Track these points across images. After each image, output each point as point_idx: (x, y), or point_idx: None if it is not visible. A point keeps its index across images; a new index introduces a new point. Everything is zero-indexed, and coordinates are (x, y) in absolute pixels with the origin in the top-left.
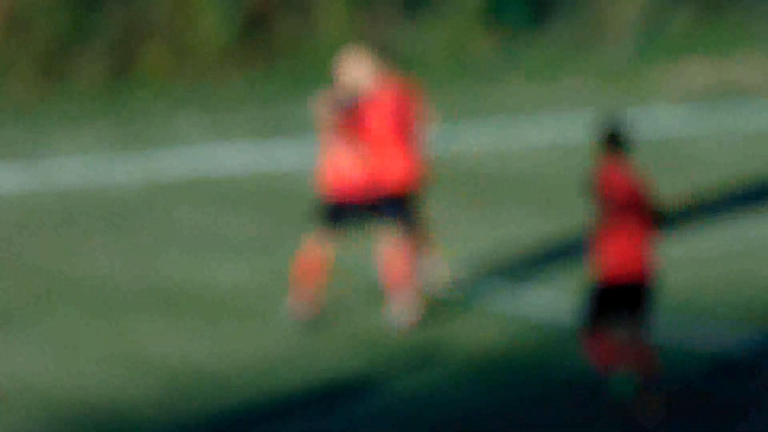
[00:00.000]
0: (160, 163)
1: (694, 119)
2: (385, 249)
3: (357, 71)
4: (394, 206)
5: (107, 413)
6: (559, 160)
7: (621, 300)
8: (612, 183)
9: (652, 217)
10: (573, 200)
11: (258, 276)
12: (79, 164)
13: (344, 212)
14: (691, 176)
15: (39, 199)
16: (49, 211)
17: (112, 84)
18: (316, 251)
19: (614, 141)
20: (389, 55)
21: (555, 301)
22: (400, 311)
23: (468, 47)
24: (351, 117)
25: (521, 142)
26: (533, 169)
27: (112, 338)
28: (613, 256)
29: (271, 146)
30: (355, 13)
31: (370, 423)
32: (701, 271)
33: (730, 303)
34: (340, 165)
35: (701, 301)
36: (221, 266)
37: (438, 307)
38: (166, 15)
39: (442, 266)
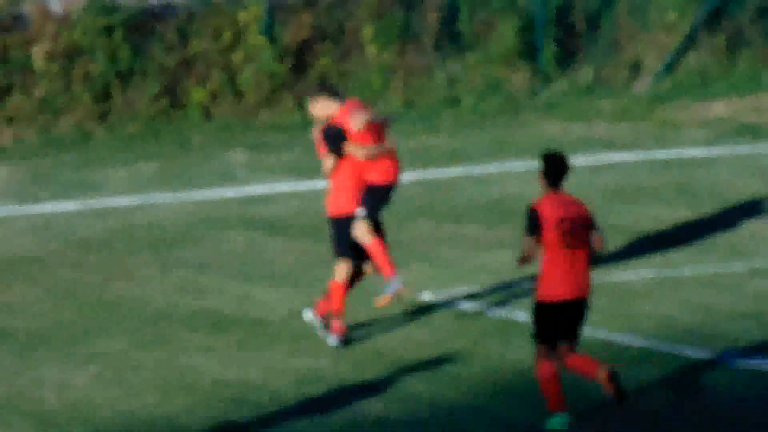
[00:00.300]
0: (208, 195)
1: (710, 151)
2: (373, 241)
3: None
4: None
5: None
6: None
7: (565, 315)
8: (554, 210)
9: (594, 240)
10: None
11: (302, 300)
12: (132, 195)
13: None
14: (706, 200)
15: (94, 228)
16: (103, 239)
17: (163, 119)
18: (345, 272)
19: (556, 173)
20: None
21: None
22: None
23: (503, 84)
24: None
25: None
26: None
27: (165, 361)
28: (556, 277)
29: (314, 181)
30: (396, 49)
31: None
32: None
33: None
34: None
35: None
36: (266, 291)
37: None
38: (219, 54)
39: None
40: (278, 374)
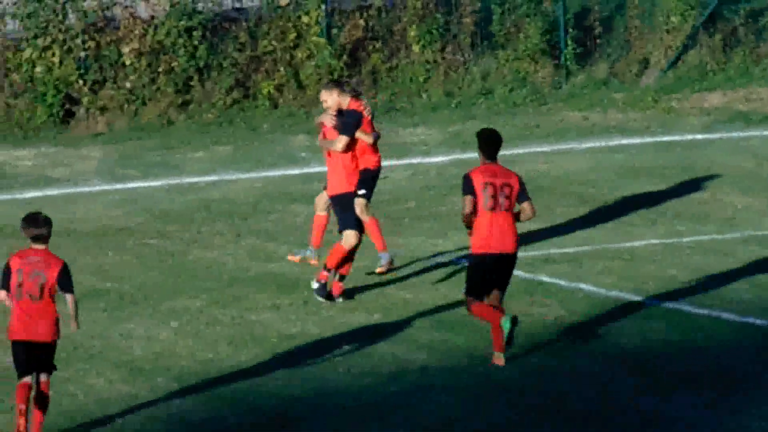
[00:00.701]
0: (274, 174)
1: (708, 135)
2: (370, 219)
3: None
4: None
5: (236, 381)
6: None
7: (491, 267)
8: (482, 177)
9: (522, 207)
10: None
11: (354, 264)
12: (209, 174)
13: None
14: (703, 177)
15: (175, 203)
16: (183, 212)
17: (236, 108)
18: (353, 241)
19: (489, 147)
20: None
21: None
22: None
23: (529, 78)
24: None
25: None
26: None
27: (237, 317)
28: (482, 234)
29: None
30: (437, 46)
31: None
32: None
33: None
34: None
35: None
36: (325, 256)
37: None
38: (284, 52)
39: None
40: (334, 329)
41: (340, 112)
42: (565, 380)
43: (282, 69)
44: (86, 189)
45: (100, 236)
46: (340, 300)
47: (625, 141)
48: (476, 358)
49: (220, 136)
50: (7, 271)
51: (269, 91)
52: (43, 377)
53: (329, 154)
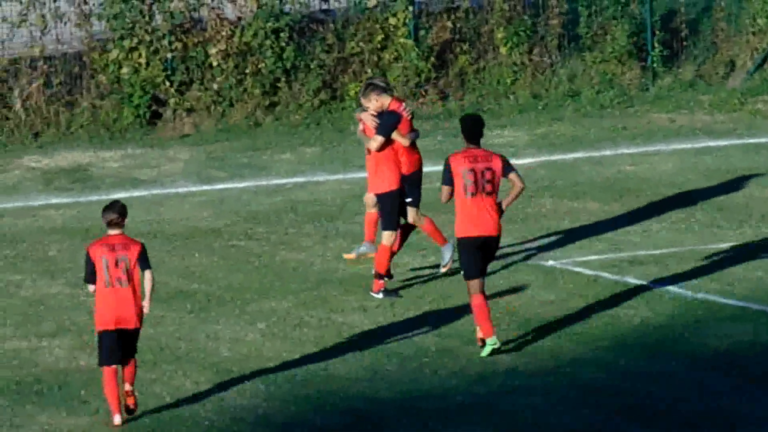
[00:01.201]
0: (362, 176)
1: None
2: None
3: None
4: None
5: (323, 383)
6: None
7: (475, 250)
8: (462, 163)
9: (510, 180)
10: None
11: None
12: (296, 175)
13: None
14: None
15: (262, 204)
16: (270, 213)
17: (323, 109)
18: (392, 239)
19: (470, 132)
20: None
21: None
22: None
23: (616, 80)
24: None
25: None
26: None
27: (324, 318)
28: (463, 219)
29: None
30: (524, 48)
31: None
32: None
33: None
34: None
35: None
36: (414, 258)
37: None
38: (371, 53)
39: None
40: (422, 330)
41: (380, 113)
42: (653, 382)
43: (369, 70)
44: (173, 190)
45: (188, 238)
46: (380, 296)
47: (711, 143)
48: (562, 360)
49: (308, 138)
50: (89, 261)
51: (356, 93)
52: (130, 361)
53: (368, 152)
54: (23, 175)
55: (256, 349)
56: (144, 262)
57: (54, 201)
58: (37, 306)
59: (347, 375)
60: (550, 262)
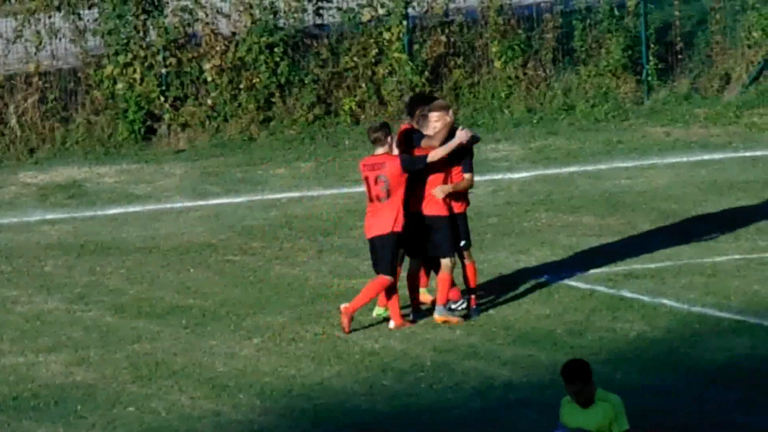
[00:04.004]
0: (357, 191)
1: None
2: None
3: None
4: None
5: (319, 398)
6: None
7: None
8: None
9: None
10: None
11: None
12: (291, 190)
13: None
14: None
15: (258, 219)
16: (266, 228)
17: (318, 124)
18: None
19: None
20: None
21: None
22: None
23: (611, 93)
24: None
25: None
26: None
27: (320, 334)
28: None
29: None
30: (519, 62)
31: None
32: None
33: None
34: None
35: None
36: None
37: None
38: (366, 68)
39: None
40: (418, 344)
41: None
42: (650, 395)
43: (364, 85)
44: (168, 205)
45: (183, 253)
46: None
47: (707, 156)
48: (559, 374)
49: (302, 153)
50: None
51: (351, 108)
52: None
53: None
54: (19, 191)
55: (252, 364)
56: (406, 164)
57: (50, 217)
58: (34, 321)
59: (344, 389)
60: (546, 276)
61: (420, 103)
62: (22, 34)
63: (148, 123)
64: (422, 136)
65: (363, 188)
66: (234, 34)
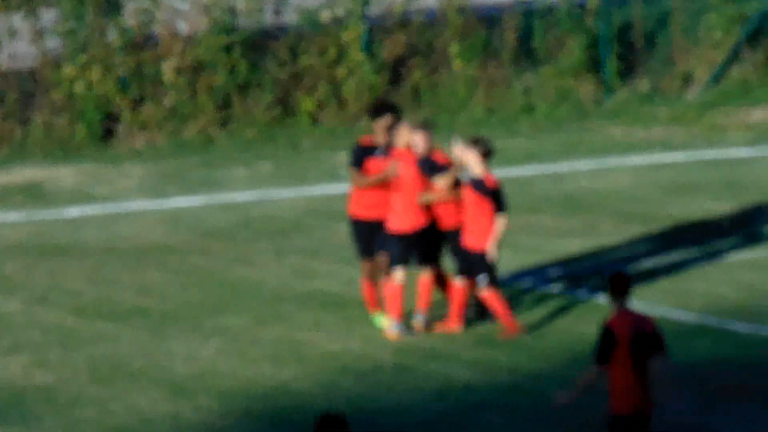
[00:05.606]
0: (316, 192)
1: (752, 151)
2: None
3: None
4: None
5: (279, 400)
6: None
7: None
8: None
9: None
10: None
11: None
12: (251, 191)
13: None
14: (750, 194)
15: (217, 220)
16: (225, 230)
17: (277, 125)
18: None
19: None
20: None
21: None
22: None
23: (572, 94)
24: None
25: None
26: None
27: (280, 335)
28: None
29: None
30: (478, 62)
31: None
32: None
33: None
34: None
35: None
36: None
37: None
38: (325, 68)
39: None
40: (378, 347)
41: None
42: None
43: (323, 86)
44: (127, 207)
45: (142, 254)
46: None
47: (668, 157)
48: (520, 375)
49: (262, 153)
50: None
51: (310, 108)
52: None
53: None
54: None
55: (211, 365)
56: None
57: (8, 218)
58: None
59: (303, 391)
60: (506, 278)
61: (388, 110)
62: None
63: (107, 124)
64: (383, 150)
65: (327, 190)
66: (192, 34)
